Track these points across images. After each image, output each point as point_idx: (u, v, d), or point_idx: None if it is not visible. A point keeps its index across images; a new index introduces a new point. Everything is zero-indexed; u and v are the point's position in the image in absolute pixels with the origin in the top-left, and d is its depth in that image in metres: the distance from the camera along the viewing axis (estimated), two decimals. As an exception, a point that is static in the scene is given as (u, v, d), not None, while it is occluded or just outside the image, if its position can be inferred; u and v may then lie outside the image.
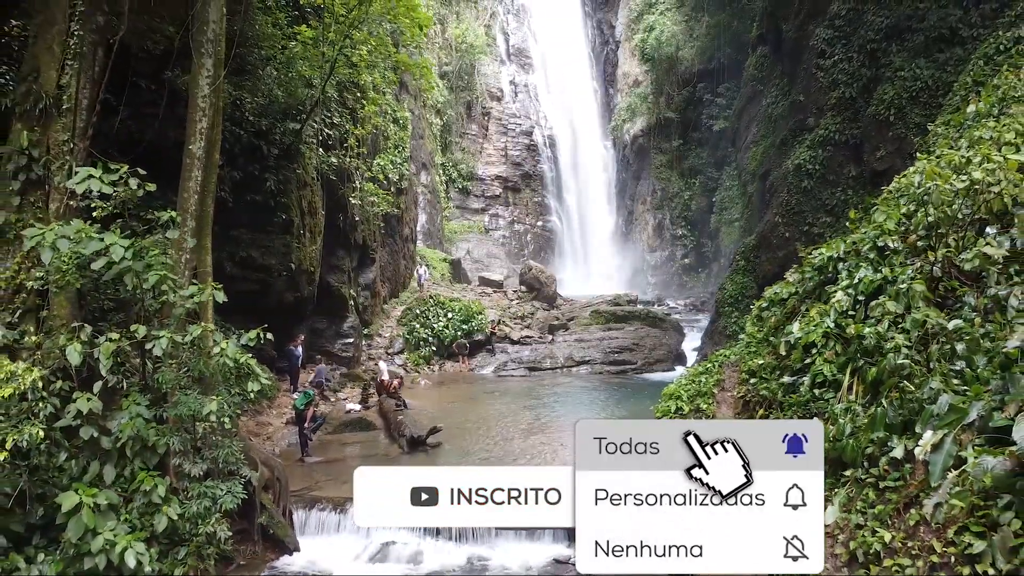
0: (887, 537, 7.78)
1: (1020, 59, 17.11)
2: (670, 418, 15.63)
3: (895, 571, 7.35)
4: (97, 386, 10.07)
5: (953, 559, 6.80)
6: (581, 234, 56.60)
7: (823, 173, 25.21)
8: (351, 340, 26.71)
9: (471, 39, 53.20)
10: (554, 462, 16.44)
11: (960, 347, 9.32)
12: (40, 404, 9.67)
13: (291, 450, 16.94)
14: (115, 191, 10.51)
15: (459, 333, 31.06)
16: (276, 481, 12.80)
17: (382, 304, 32.26)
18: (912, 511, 7.71)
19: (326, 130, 23.38)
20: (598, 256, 55.54)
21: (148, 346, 10.18)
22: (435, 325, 30.95)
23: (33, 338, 11.13)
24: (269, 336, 11.73)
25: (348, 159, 24.94)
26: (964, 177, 10.03)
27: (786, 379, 13.04)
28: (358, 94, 25.80)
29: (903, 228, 12.49)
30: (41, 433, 9.36)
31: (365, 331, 29.19)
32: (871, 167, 22.98)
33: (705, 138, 52.51)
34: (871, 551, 7.87)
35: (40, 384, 9.63)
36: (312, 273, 22.64)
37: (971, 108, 15.64)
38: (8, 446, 9.02)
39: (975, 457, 6.99)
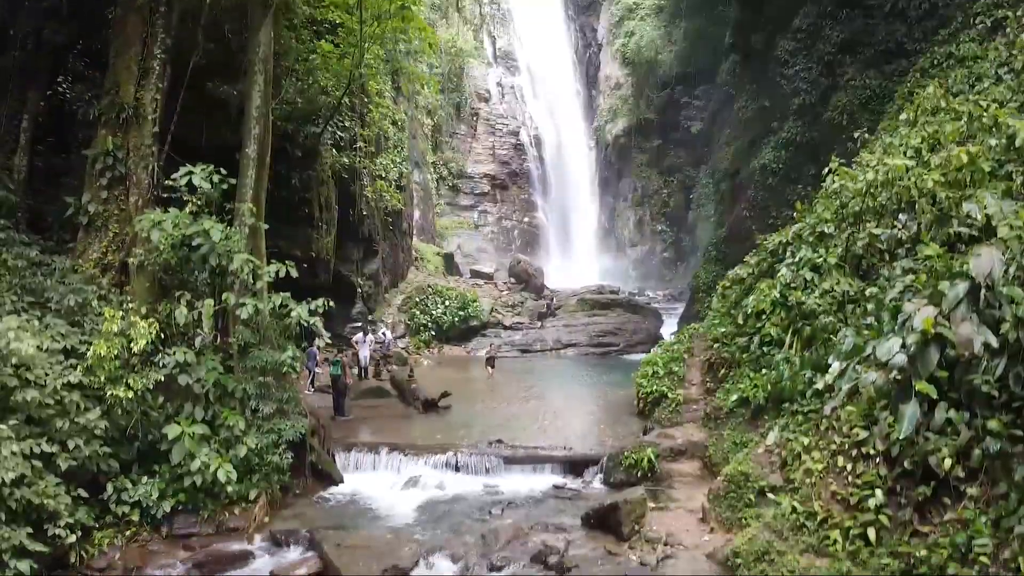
0: (805, 441, 10.50)
1: (950, 72, 19.89)
2: (649, 382, 18.34)
3: (807, 462, 10.03)
4: (197, 341, 12.60)
5: (847, 446, 9.50)
6: (566, 230, 59.13)
7: (786, 171, 27.98)
8: (359, 324, 29.19)
9: (460, 43, 55.57)
10: (551, 422, 19.08)
11: (870, 306, 12.07)
12: (159, 356, 12.18)
13: (321, 411, 19.39)
14: (204, 187, 12.98)
15: (456, 319, 33.63)
16: (321, 428, 15.35)
17: (384, 293, 34.71)
18: (824, 421, 10.42)
19: (339, 133, 25.83)
20: (582, 250, 58.08)
21: (237, 312, 12.69)
22: (434, 312, 33.55)
23: (119, 315, 13.50)
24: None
25: (357, 159, 27.41)
26: (862, 178, 12.77)
27: (742, 341, 15.77)
28: (365, 99, 28.29)
29: (838, 217, 15.28)
30: (162, 378, 11.88)
31: (370, 317, 31.66)
32: (827, 166, 25.69)
33: (683, 138, 55.26)
34: (794, 453, 10.58)
35: (161, 337, 12.15)
36: (328, 262, 25.14)
37: (903, 116, 18.46)
38: (137, 388, 11.51)
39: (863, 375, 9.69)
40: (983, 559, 7.11)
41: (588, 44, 67.81)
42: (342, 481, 14.79)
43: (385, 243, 34.82)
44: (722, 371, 16.37)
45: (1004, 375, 8.30)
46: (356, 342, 24.83)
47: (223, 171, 13.64)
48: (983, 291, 8.85)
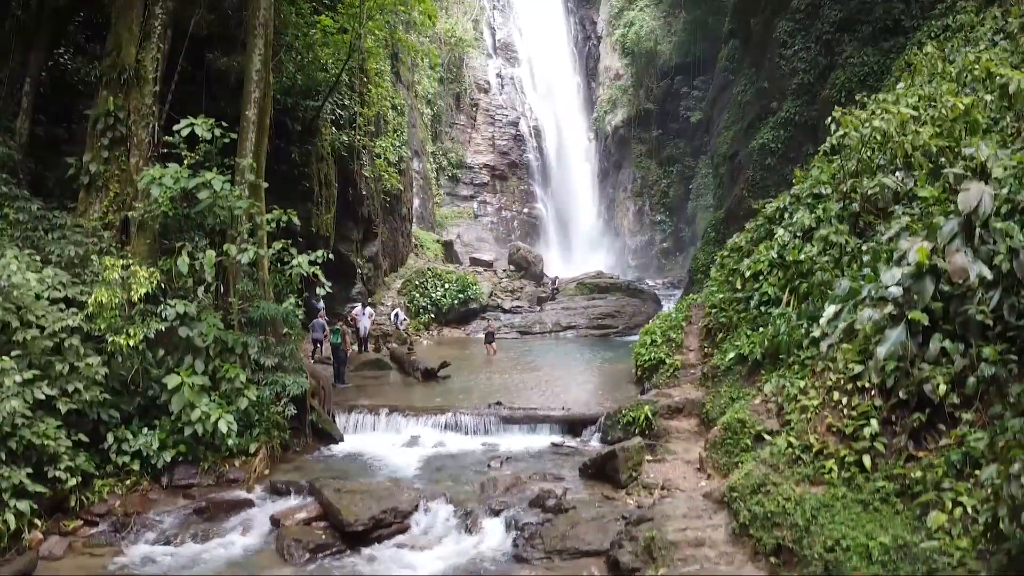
0: (801, 384, 10.56)
1: (945, 43, 19.97)
2: (647, 350, 18.39)
3: (803, 398, 10.09)
4: (200, 291, 12.65)
5: (842, 381, 9.55)
6: (565, 220, 59.31)
7: (784, 151, 28.09)
8: (358, 304, 29.26)
9: (459, 33, 55.72)
10: (550, 389, 19.21)
11: (867, 258, 12.13)
12: (161, 307, 12.23)
13: (322, 375, 19.49)
14: (205, 137, 13.06)
15: (456, 301, 33.75)
16: (321, 389, 15.43)
17: (383, 276, 34.79)
18: (819, 363, 10.47)
19: (338, 110, 25.91)
20: (581, 241, 58.31)
21: (239, 257, 12.76)
22: (433, 294, 33.66)
23: (120, 263, 13.53)
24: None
25: (356, 137, 27.50)
26: (867, 125, 12.85)
27: (739, 305, 15.82)
28: (364, 79, 28.37)
29: (835, 179, 15.36)
30: (162, 328, 11.93)
31: (369, 300, 31.72)
32: (823, 144, 25.81)
33: (682, 129, 55.36)
34: (791, 396, 10.65)
35: (162, 287, 12.21)
36: (327, 239, 25.18)
37: (900, 85, 18.52)
38: (139, 338, 11.58)
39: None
40: (977, 472, 7.15)
41: (588, 36, 67.99)
42: (342, 440, 14.88)
43: (385, 226, 34.90)
44: (720, 335, 16.40)
45: (998, 306, 8.36)
46: (356, 315, 24.89)
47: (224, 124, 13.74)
48: (977, 228, 8.92)
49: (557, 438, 14.96)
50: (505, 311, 35.30)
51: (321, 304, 23.30)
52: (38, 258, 11.79)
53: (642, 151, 57.97)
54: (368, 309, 25.64)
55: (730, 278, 17.48)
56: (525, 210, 58.27)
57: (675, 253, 55.04)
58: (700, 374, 15.48)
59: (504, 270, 43.50)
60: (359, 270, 30.12)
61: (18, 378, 10.21)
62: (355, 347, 23.90)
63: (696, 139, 53.55)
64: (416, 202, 47.36)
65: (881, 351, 8.57)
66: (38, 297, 11.07)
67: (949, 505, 6.98)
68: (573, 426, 15.28)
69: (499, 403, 16.23)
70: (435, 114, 54.91)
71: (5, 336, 10.59)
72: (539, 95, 61.76)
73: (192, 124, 13.20)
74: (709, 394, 14.24)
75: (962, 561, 6.25)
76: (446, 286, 34.27)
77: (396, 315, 29.15)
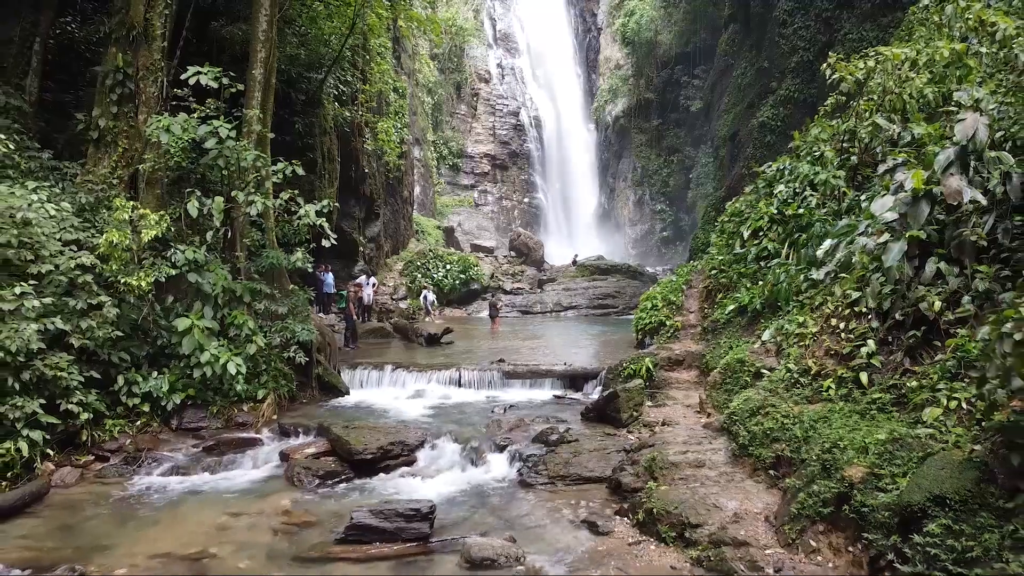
0: (800, 319, 10.76)
1: (940, 12, 20.18)
2: (647, 314, 18.58)
3: (802, 331, 10.30)
4: (209, 235, 12.84)
5: (840, 308, 9.75)
6: (565, 210, 59.53)
7: (784, 128, 28.27)
8: (362, 274, 29.50)
9: (460, 22, 55.93)
10: (552, 352, 19.48)
11: (865, 204, 12.33)
12: (171, 251, 12.43)
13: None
14: (212, 91, 13.25)
15: (457, 282, 33.95)
16: (327, 345, 15.64)
17: (385, 258, 35.02)
18: (817, 297, 10.67)
19: (340, 86, 26.11)
20: (581, 230, 58.52)
21: (245, 208, 12.96)
22: (435, 275, 33.82)
23: (130, 204, 13.57)
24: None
25: (360, 114, 27.71)
26: (862, 66, 13.09)
27: (739, 266, 15.99)
28: (367, 56, 28.58)
29: (834, 138, 15.58)
30: (172, 272, 12.12)
31: (372, 279, 31.93)
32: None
33: (683, 118, 55.55)
34: (790, 333, 10.84)
35: (172, 231, 12.41)
36: (331, 213, 25.33)
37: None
38: (150, 280, 11.77)
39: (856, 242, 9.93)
40: (972, 373, 7.35)
41: (588, 29, 68.25)
42: (348, 393, 15.09)
43: (386, 208, 35.14)
44: (719, 295, 16.60)
45: (992, 230, 8.56)
46: (360, 284, 25.17)
47: (232, 74, 13.93)
48: (972, 162, 9.13)
49: (559, 392, 15.19)
50: (506, 292, 35.56)
51: (330, 277, 23.56)
52: (57, 190, 11.95)
53: (642, 141, 58.16)
54: (372, 279, 25.96)
55: (730, 241, 17.67)
56: (525, 199, 58.50)
57: (675, 242, 55.21)
58: (700, 330, 15.67)
59: (505, 256, 43.78)
60: (361, 248, 30.33)
61: (36, 303, 10.37)
62: (358, 317, 24.14)
63: (696, 128, 53.72)
64: (417, 190, 47.59)
65: (878, 275, 8.77)
66: (47, 237, 11.23)
67: (944, 401, 7.19)
68: (575, 380, 15.50)
69: (502, 360, 16.46)
70: (436, 103, 55.13)
71: (19, 267, 10.76)
72: (540, 85, 62.01)
73: (199, 72, 13.39)
74: (709, 346, 14.44)
75: (957, 443, 6.45)
76: (448, 267, 34.50)
77: (425, 296, 29.80)
